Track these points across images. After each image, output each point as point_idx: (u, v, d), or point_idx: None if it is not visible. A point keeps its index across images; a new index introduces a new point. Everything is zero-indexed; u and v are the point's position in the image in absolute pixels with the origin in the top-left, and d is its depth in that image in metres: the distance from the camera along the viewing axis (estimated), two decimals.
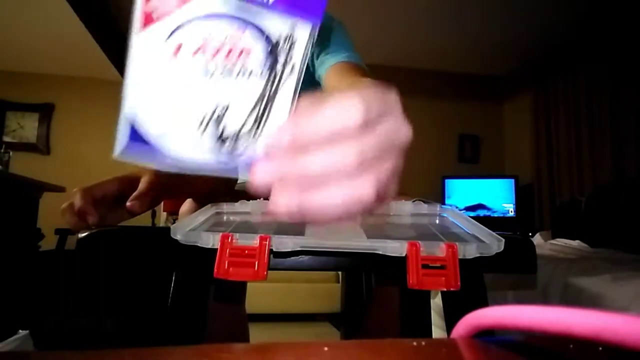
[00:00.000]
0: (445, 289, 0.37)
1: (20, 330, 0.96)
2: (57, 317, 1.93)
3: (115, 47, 3.32)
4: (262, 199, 0.56)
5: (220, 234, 0.38)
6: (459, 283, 0.36)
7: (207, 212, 0.52)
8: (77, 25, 2.56)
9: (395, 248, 0.38)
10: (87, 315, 1.99)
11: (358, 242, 0.40)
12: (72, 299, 2.02)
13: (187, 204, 0.75)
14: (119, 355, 0.20)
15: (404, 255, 0.38)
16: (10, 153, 2.14)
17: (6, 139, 3.12)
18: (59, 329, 1.88)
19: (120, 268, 1.88)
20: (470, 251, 0.39)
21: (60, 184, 2.14)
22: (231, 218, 0.54)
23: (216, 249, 0.37)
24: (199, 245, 0.39)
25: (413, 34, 3.18)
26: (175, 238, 0.41)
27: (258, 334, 2.46)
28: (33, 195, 1.97)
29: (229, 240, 0.38)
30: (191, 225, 0.45)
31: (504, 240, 0.40)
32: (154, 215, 3.17)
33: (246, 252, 0.37)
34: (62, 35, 2.67)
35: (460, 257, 0.38)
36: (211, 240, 0.39)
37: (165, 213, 3.23)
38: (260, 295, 2.62)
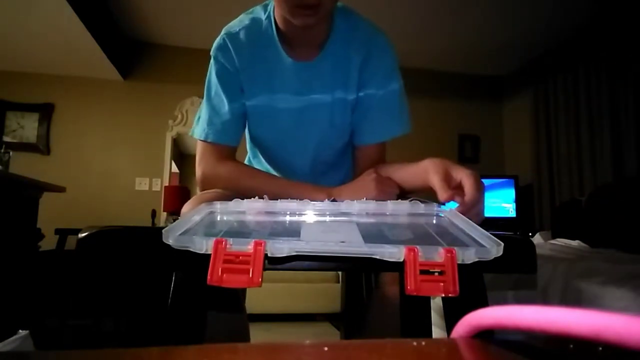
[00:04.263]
0: (443, 295, 0.36)
1: (20, 330, 0.95)
2: (57, 317, 1.93)
3: (116, 48, 3.32)
4: (256, 197, 0.55)
5: (214, 239, 0.37)
6: (457, 289, 0.36)
7: (202, 212, 0.51)
8: (78, 25, 2.57)
9: (393, 253, 0.37)
10: (87, 315, 1.99)
11: (356, 247, 0.39)
12: (72, 299, 2.02)
13: (189, 204, 0.75)
14: (119, 355, 0.20)
15: (401, 260, 0.37)
16: (10, 153, 2.14)
17: (6, 139, 3.11)
18: (59, 329, 1.88)
19: (120, 268, 1.88)
20: (469, 256, 0.38)
21: (60, 184, 2.14)
22: (225, 218, 0.53)
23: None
24: (191, 250, 0.39)
25: (413, 34, 3.18)
26: (167, 243, 0.40)
27: (258, 334, 2.45)
28: (33, 195, 1.97)
29: (223, 245, 0.37)
30: (185, 226, 0.44)
31: (502, 244, 0.40)
32: (154, 215, 3.17)
33: (240, 258, 0.36)
34: (62, 35, 2.66)
35: (459, 262, 0.38)
36: (204, 246, 0.38)
37: (165, 213, 3.23)
38: (260, 295, 2.62)
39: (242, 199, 0.55)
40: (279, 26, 0.80)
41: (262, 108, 0.85)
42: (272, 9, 0.81)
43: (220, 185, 0.82)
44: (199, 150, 0.86)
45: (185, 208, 0.74)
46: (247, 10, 0.86)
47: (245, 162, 1.05)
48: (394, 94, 0.85)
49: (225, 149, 0.85)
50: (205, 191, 0.83)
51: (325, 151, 0.92)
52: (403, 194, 0.77)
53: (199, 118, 0.87)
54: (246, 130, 0.95)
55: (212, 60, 0.84)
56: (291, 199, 0.56)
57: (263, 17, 0.82)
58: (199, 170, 0.85)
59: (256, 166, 1.01)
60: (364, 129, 0.87)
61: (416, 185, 0.73)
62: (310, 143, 0.90)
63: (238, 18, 0.85)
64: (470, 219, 0.55)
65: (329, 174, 0.97)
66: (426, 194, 0.63)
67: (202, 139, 0.84)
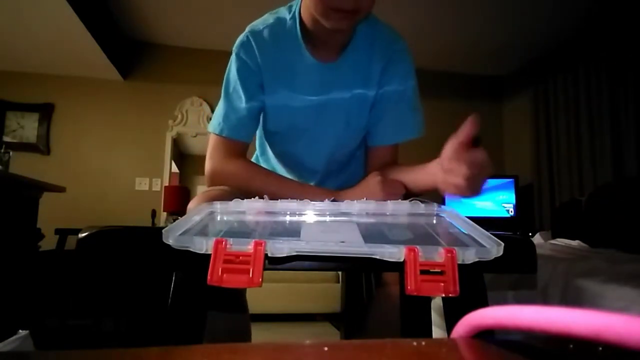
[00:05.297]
0: (444, 295, 0.36)
1: (20, 330, 0.95)
2: (57, 317, 1.92)
3: (116, 48, 3.32)
4: (256, 197, 0.55)
5: (214, 239, 0.37)
6: (457, 289, 0.36)
7: (202, 212, 0.51)
8: (77, 25, 2.56)
9: (393, 253, 0.37)
10: (87, 315, 1.98)
11: (356, 247, 0.39)
12: (72, 299, 2.02)
13: (195, 201, 0.74)
14: (119, 355, 0.20)
15: (402, 260, 0.37)
16: (10, 153, 2.14)
17: (6, 139, 3.11)
18: (59, 329, 1.88)
19: (120, 268, 1.88)
20: (469, 256, 0.38)
21: (60, 184, 2.14)
22: (225, 218, 0.53)
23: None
24: (191, 250, 0.39)
25: (413, 34, 3.18)
26: (167, 243, 0.40)
27: (258, 334, 2.45)
28: (33, 195, 1.97)
29: (223, 245, 0.37)
30: (185, 226, 0.44)
31: (503, 244, 0.40)
32: (154, 215, 3.17)
33: (240, 258, 0.36)
34: (62, 35, 2.66)
35: (459, 262, 0.38)
36: (204, 246, 0.38)
37: (165, 213, 3.23)
38: (260, 295, 2.62)
39: (242, 198, 0.55)
40: (303, 26, 0.81)
41: (281, 105, 0.85)
42: (297, 10, 0.82)
43: (228, 183, 0.82)
44: (210, 144, 0.86)
45: (192, 205, 0.74)
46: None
47: (253, 159, 1.05)
48: (409, 97, 0.87)
49: (238, 145, 0.85)
50: (212, 188, 0.83)
51: (339, 151, 0.93)
52: (409, 195, 0.77)
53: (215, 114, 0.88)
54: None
55: (233, 57, 0.84)
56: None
57: (288, 17, 0.82)
58: (208, 165, 0.84)
59: (263, 163, 1.02)
60: (379, 130, 0.88)
61: (424, 186, 0.74)
62: (326, 143, 0.90)
63: (262, 17, 0.85)
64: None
65: (336, 174, 0.98)
66: (434, 196, 0.64)
67: (216, 132, 0.84)
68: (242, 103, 0.83)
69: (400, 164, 0.88)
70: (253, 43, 0.81)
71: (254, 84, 0.83)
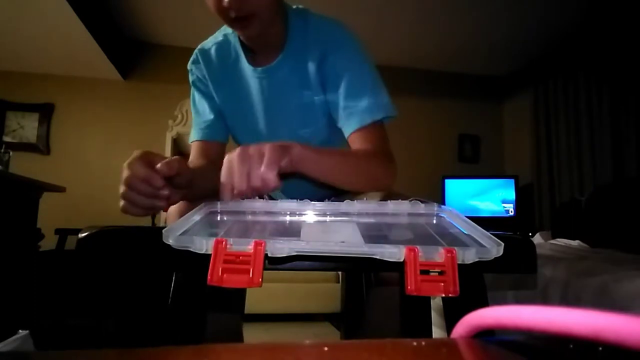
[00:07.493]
0: (444, 295, 0.36)
1: (20, 330, 0.95)
2: (57, 317, 1.93)
3: (116, 48, 3.32)
4: (256, 197, 0.56)
5: (214, 239, 0.37)
6: (457, 289, 0.36)
7: (201, 211, 0.51)
8: (77, 25, 2.57)
9: (393, 253, 0.37)
10: (87, 315, 1.99)
11: (356, 247, 0.39)
12: (72, 299, 2.02)
13: (178, 204, 0.75)
14: (119, 355, 0.20)
15: (402, 260, 0.37)
16: (10, 153, 2.14)
17: (6, 139, 3.11)
18: (59, 329, 1.88)
19: (120, 268, 1.88)
20: (469, 256, 0.38)
21: (60, 184, 2.14)
22: (225, 218, 0.53)
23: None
24: (191, 250, 0.39)
25: (413, 34, 3.18)
26: (167, 243, 0.40)
27: (258, 334, 2.45)
28: (33, 195, 1.97)
29: (223, 245, 0.37)
30: (185, 226, 0.44)
31: (503, 244, 0.40)
32: (154, 215, 3.17)
33: (240, 258, 0.36)
34: (62, 35, 2.66)
35: (459, 262, 0.38)
36: (204, 246, 0.38)
37: (165, 213, 3.23)
38: (260, 295, 2.62)
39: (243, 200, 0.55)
40: None
41: (232, 114, 0.92)
42: None
43: None
44: None
45: (173, 207, 0.77)
46: None
47: None
48: (360, 78, 0.82)
49: (208, 146, 0.91)
50: None
51: None
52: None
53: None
54: None
55: (189, 74, 0.94)
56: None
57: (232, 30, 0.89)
58: None
59: None
60: (342, 121, 0.84)
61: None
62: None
63: (214, 34, 0.94)
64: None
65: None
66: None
67: (190, 142, 0.93)
68: (206, 108, 0.92)
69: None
70: (201, 60, 0.91)
71: (209, 94, 0.92)
